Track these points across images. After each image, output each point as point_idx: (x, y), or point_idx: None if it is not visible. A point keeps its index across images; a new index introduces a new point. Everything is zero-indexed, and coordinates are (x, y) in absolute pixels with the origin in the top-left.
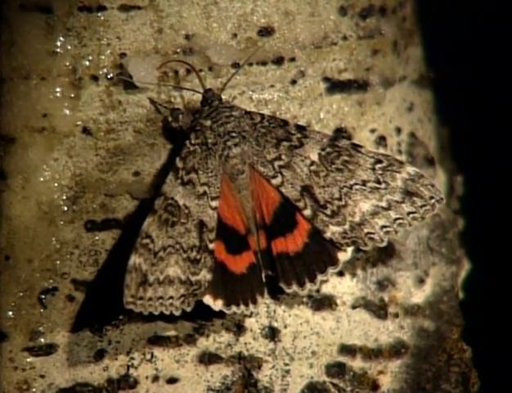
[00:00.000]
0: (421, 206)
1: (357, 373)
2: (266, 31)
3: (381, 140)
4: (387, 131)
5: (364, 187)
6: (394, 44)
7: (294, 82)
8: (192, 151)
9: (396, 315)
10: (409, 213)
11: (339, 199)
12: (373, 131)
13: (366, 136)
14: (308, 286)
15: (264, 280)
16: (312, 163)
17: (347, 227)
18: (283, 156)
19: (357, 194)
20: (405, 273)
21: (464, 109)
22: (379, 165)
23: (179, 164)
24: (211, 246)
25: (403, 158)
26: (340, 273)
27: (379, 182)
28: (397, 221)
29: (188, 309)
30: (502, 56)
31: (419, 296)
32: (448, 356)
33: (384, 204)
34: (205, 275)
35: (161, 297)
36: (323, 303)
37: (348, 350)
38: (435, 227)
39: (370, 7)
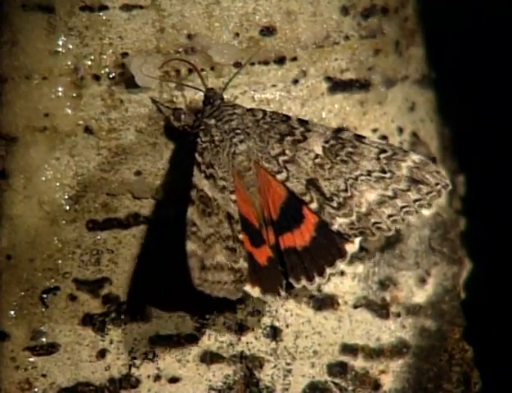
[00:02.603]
0: (427, 193)
1: (358, 373)
2: (268, 31)
3: (383, 140)
4: (389, 131)
5: (369, 178)
6: (396, 44)
7: (295, 81)
8: (205, 148)
9: (398, 315)
10: (415, 200)
11: (345, 190)
12: (375, 131)
13: (368, 135)
14: (317, 280)
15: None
16: (317, 156)
17: (354, 218)
18: (287, 151)
19: (363, 184)
20: (407, 272)
21: (466, 109)
22: (383, 155)
23: (199, 158)
24: (240, 236)
25: None
26: (342, 273)
27: (384, 171)
28: (404, 209)
29: (239, 295)
30: (504, 55)
31: (420, 296)
32: (450, 356)
33: (389, 193)
34: (243, 264)
35: (219, 282)
36: (325, 302)
37: (349, 349)
38: (437, 226)
39: (372, 7)
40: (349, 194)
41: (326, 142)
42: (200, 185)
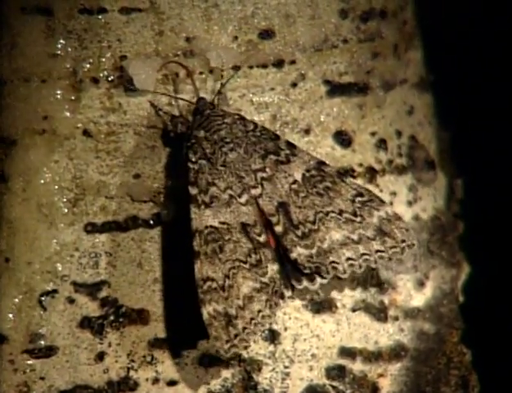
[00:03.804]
0: (391, 247)
1: (356, 376)
2: (266, 34)
3: (381, 143)
4: (387, 134)
5: (339, 217)
6: (395, 47)
7: (294, 85)
8: (198, 169)
9: (396, 318)
10: (377, 251)
11: (313, 223)
12: (373, 134)
13: (367, 139)
14: (319, 280)
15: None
16: (295, 182)
17: (314, 251)
18: (267, 169)
19: (331, 222)
20: (405, 276)
21: (465, 112)
22: (359, 198)
23: (193, 191)
24: (261, 238)
25: (403, 161)
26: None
27: (355, 214)
28: (364, 257)
29: (277, 309)
30: (502, 59)
31: (419, 299)
32: (448, 359)
33: (355, 237)
34: (272, 268)
35: (252, 318)
36: (323, 306)
37: (347, 352)
38: (435, 230)
39: (371, 10)
40: (316, 227)
41: (308, 170)
42: (202, 224)
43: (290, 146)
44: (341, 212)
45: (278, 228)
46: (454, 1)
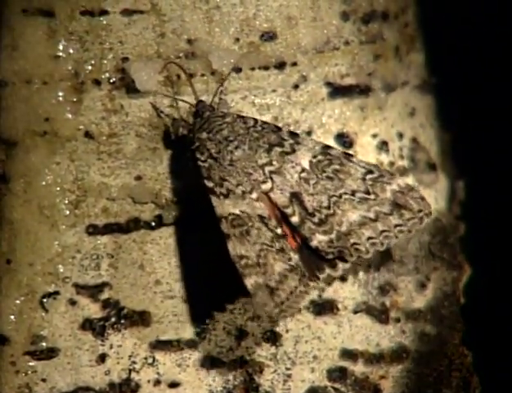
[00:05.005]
0: (409, 219)
1: (358, 378)
2: (268, 36)
3: (383, 145)
4: (389, 136)
5: (353, 197)
6: (396, 49)
7: (296, 86)
8: (208, 167)
9: (397, 320)
10: (396, 225)
11: (328, 207)
12: (375, 136)
13: (368, 141)
14: (341, 266)
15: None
16: (303, 170)
17: (333, 236)
18: (274, 162)
19: (346, 204)
20: (406, 277)
21: (466, 114)
22: (369, 176)
23: (209, 184)
24: (279, 231)
25: (405, 163)
26: (342, 278)
27: (368, 192)
28: (384, 233)
29: (310, 291)
30: (504, 60)
31: (420, 301)
32: (449, 361)
33: (371, 215)
34: (295, 257)
35: (291, 292)
36: (325, 308)
37: (349, 354)
38: (437, 232)
39: (373, 13)
40: (331, 212)
41: (314, 156)
42: (225, 211)
43: (293, 135)
44: (354, 192)
45: (294, 219)
46: (455, 3)
